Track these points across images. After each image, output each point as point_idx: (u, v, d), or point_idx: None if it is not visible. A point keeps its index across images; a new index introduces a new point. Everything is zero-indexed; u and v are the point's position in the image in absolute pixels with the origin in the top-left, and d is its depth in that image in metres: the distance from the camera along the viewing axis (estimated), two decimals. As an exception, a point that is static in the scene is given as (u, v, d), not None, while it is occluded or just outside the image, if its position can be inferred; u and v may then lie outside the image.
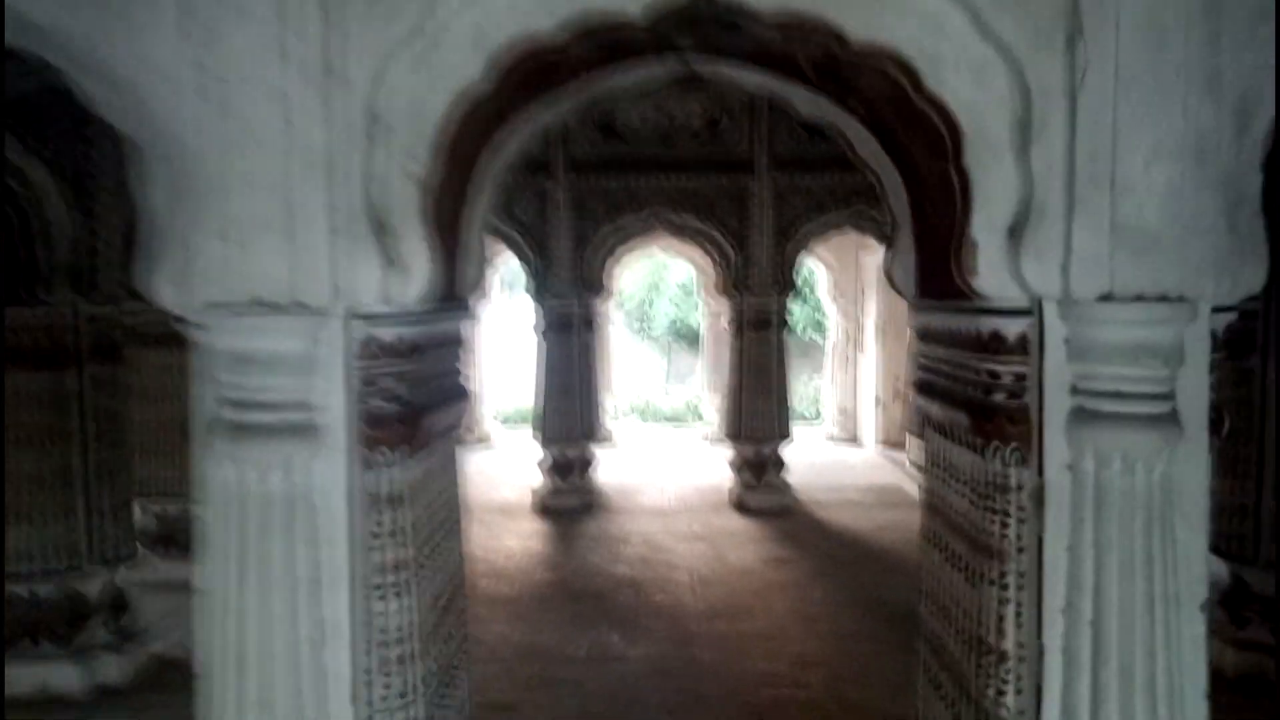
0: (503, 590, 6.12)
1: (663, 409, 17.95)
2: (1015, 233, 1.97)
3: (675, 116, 8.28)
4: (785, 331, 8.55)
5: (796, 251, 8.41)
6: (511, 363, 17.21)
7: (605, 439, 12.83)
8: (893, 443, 11.76)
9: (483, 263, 3.48)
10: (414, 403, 2.24)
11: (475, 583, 6.24)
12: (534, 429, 8.58)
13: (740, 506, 8.46)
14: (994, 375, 2.11)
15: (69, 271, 4.70)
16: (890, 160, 3.50)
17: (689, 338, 23.25)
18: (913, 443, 9.02)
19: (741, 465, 8.60)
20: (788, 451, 8.64)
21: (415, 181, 2.05)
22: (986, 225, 2.03)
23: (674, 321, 23.45)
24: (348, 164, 1.96)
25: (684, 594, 6.04)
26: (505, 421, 15.30)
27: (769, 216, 8.30)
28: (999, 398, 2.09)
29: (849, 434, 12.91)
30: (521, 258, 8.47)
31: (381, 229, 2.00)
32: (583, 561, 6.73)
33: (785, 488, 8.59)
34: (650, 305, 23.96)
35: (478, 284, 3.40)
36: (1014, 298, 2.04)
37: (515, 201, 8.27)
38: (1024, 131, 1.96)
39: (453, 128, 2.10)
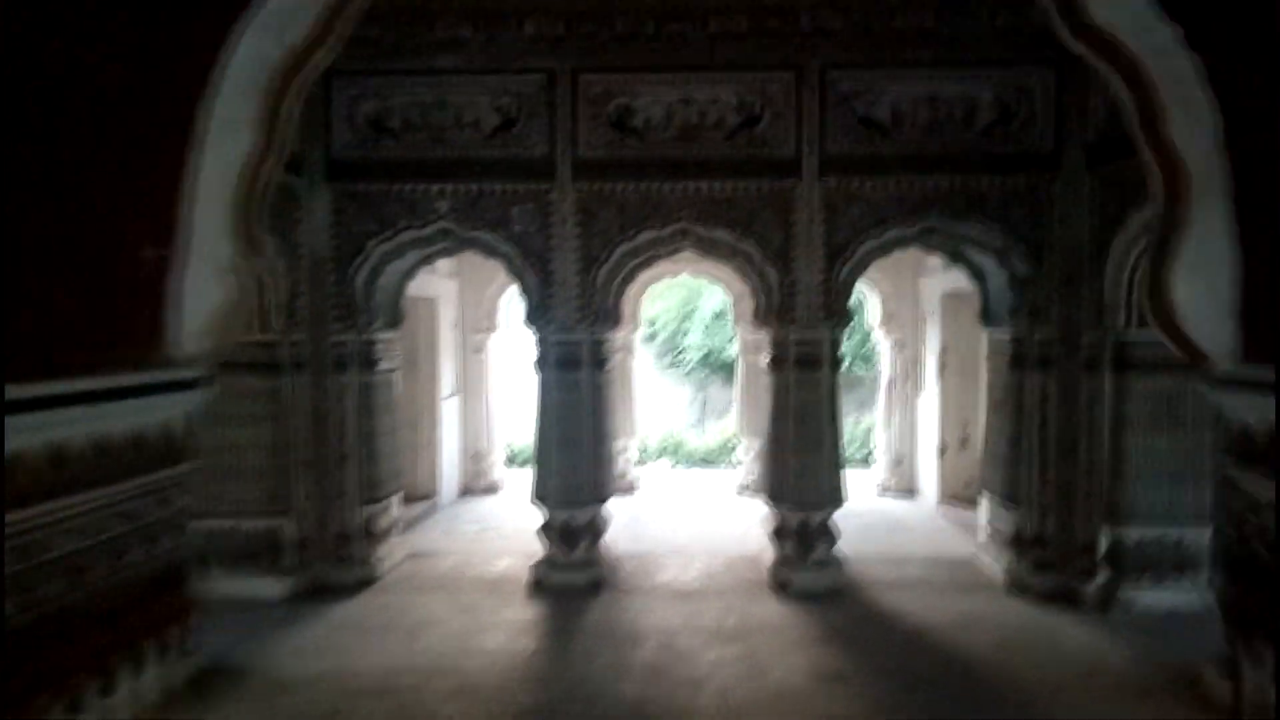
0: None
1: (694, 449, 16.41)
2: None
3: (705, 109, 6.83)
4: (837, 371, 6.97)
5: (852, 274, 6.86)
6: (525, 393, 15.78)
7: (627, 489, 11.35)
8: (958, 498, 10.08)
9: (251, 283, 2.00)
10: None
11: (437, 709, 4.72)
12: (533, 490, 7.08)
13: (781, 587, 6.86)
14: None
15: None
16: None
17: (724, 370, 21.66)
18: (989, 505, 7.37)
19: (783, 535, 7.01)
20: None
21: None
22: None
23: (708, 353, 21.90)
24: None
25: (710, 730, 4.47)
26: (517, 462, 13.81)
27: (819, 231, 6.78)
28: None
29: (905, 485, 11.24)
30: (519, 280, 7.03)
31: None
32: (581, 675, 5.18)
33: (836, 564, 6.98)
34: (682, 335, 22.43)
35: (235, 324, 1.91)
36: None
37: (509, 211, 6.85)
38: None
39: None
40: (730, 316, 12.50)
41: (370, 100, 6.84)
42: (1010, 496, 6.94)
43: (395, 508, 7.67)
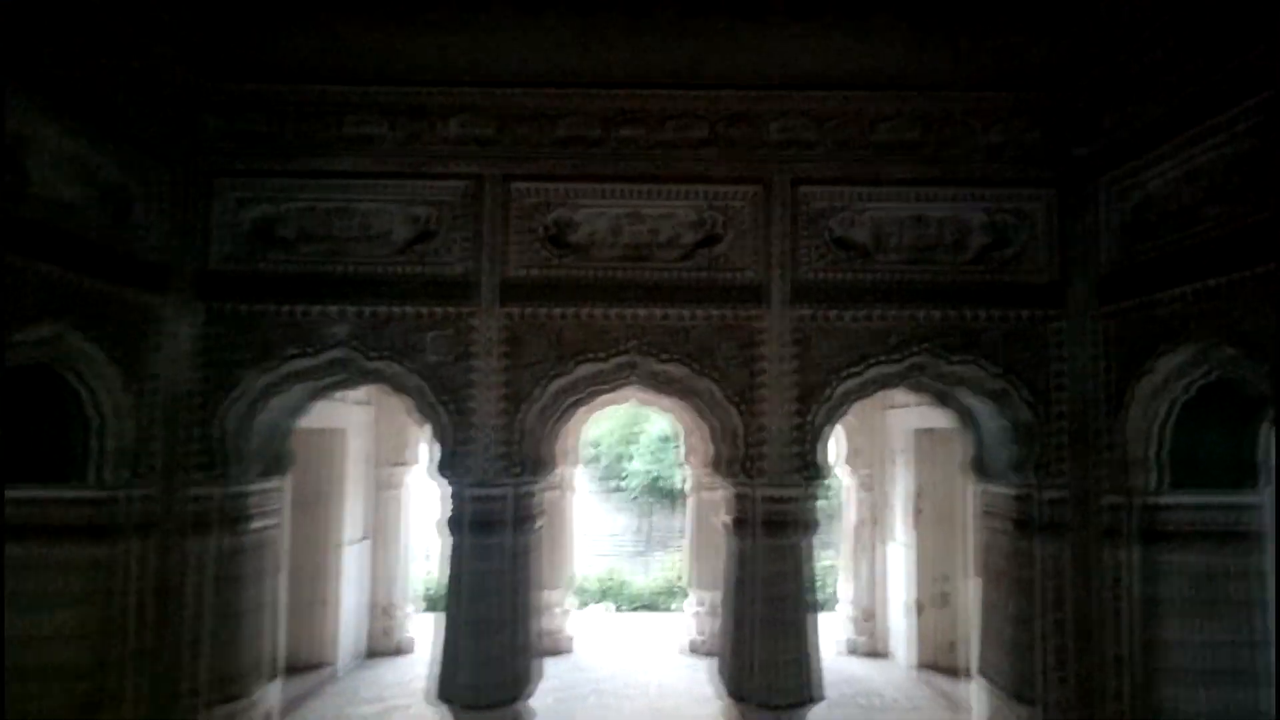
0: None
1: (637, 591, 14.95)
2: None
3: (657, 226, 5.87)
4: (812, 537, 5.82)
5: (828, 419, 5.81)
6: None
7: (560, 649, 9.86)
8: (938, 666, 8.86)
9: None
10: None
11: None
12: (436, 685, 5.64)
13: (751, 811, 5.47)
14: None
15: None
16: None
17: (669, 497, 20.46)
18: (989, 696, 6.14)
19: (751, 740, 5.67)
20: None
21: None
22: None
23: (653, 479, 20.68)
24: None
25: None
26: (438, 608, 12.07)
27: (789, 368, 5.76)
28: None
29: (874, 645, 9.96)
30: (430, 421, 5.80)
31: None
32: None
33: (818, 779, 5.64)
34: (625, 459, 21.21)
35: None
36: None
37: (422, 338, 5.69)
38: None
39: None
40: (679, 447, 11.35)
41: (260, 204, 5.71)
42: (1019, 691, 5.75)
43: (267, 700, 6.10)
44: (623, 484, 21.44)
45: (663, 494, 21.14)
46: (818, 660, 5.72)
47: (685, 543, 11.20)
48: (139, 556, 5.32)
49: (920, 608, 9.11)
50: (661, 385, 5.98)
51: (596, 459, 21.19)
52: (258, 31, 5.34)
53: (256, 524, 5.87)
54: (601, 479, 21.71)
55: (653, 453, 20.89)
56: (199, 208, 5.64)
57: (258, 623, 5.85)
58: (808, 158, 5.87)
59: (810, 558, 5.77)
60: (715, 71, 5.69)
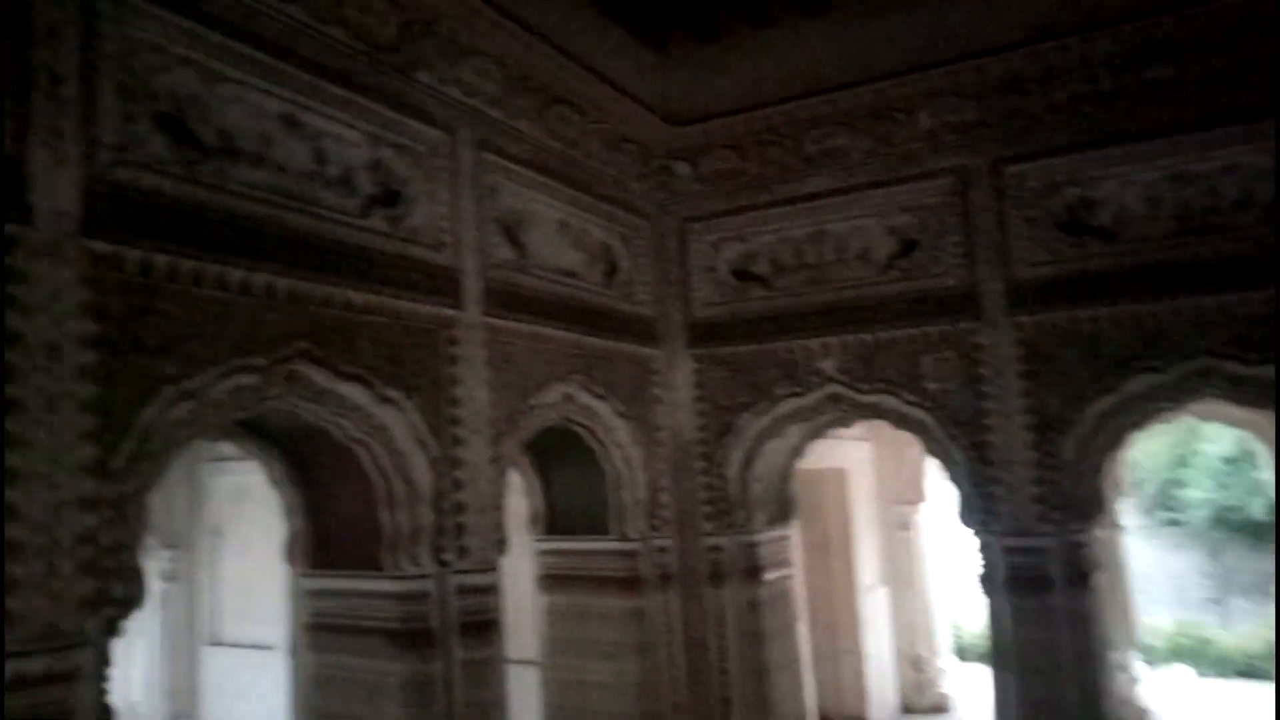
0: None
1: (1226, 649, 11.94)
2: None
3: (1215, 184, 4.42)
4: None
5: None
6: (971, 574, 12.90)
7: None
8: None
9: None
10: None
11: None
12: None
13: None
14: None
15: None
16: None
17: (1245, 530, 16.36)
18: None
19: None
20: None
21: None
22: None
23: (1219, 508, 16.71)
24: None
25: None
26: (968, 658, 10.77)
27: None
28: None
29: None
30: (941, 459, 5.05)
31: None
32: None
33: None
34: (1178, 485, 17.51)
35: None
36: None
37: (918, 364, 4.99)
38: None
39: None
40: (1256, 471, 8.76)
41: (733, 244, 5.60)
42: None
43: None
44: (1178, 516, 17.72)
45: (1236, 528, 17.02)
46: None
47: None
48: (663, 608, 5.40)
49: None
50: (1258, 397, 4.41)
51: (1139, 485, 17.87)
52: (704, 67, 5.33)
53: (771, 574, 5.66)
54: (1148, 510, 18.22)
55: (1216, 477, 16.97)
56: (678, 257, 5.73)
57: (788, 680, 5.61)
58: None
59: None
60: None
